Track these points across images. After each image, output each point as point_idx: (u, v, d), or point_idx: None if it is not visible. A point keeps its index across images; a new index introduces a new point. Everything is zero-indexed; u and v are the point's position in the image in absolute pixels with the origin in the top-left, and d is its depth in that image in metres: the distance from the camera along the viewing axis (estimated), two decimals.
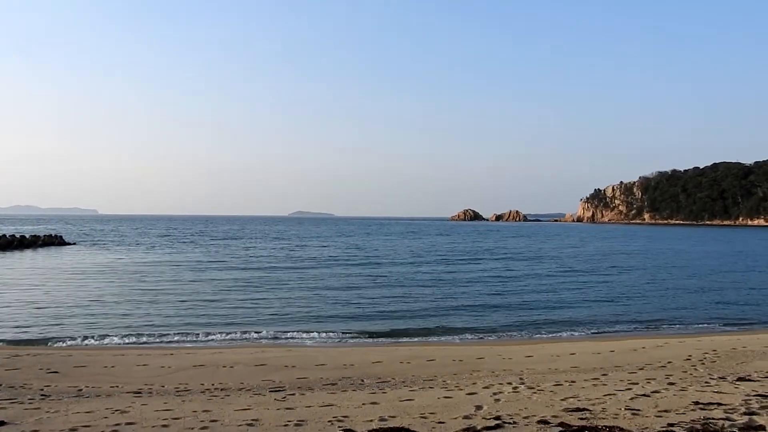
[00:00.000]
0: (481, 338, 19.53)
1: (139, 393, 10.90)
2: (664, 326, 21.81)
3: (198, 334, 19.48)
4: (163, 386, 11.61)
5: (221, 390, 11.20)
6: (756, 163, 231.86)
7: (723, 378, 10.98)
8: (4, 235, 66.85)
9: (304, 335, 19.44)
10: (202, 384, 11.84)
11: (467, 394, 9.95)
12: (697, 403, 8.51)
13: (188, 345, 18.01)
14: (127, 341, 18.38)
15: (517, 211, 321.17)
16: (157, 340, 18.69)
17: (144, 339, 18.70)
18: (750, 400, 8.64)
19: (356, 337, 19.40)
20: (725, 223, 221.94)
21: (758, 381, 10.54)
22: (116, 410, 9.15)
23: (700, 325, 22.00)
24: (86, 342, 18.19)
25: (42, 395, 10.59)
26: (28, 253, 57.52)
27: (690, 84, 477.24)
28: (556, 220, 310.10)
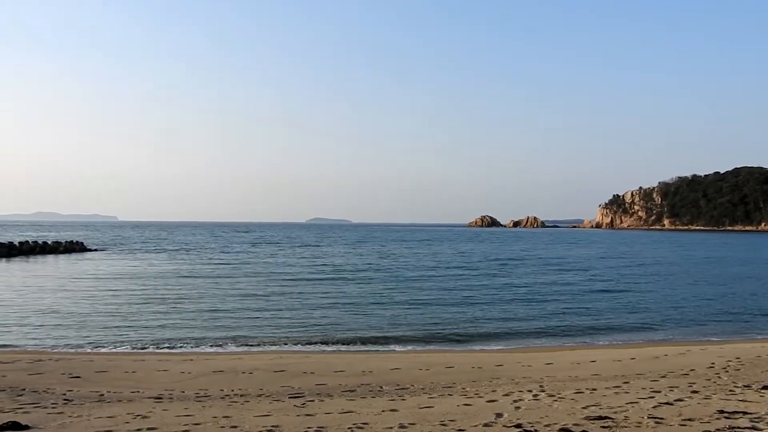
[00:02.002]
0: (501, 345, 19.40)
1: (160, 398, 10.97)
2: (685, 333, 21.53)
3: (218, 341, 19.58)
4: (183, 392, 11.69)
5: (241, 396, 11.24)
6: None
7: (748, 386, 10.80)
8: (27, 241, 67.87)
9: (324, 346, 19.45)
10: (222, 390, 11.89)
11: (487, 401, 9.89)
12: (721, 411, 8.38)
13: (208, 351, 18.11)
14: (147, 347, 18.53)
15: (535, 218, 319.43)
16: (177, 345, 18.81)
17: (164, 345, 18.84)
18: None
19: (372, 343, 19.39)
20: (747, 228, 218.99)
21: None
22: (137, 415, 9.22)
23: (722, 333, 21.67)
24: (107, 347, 18.36)
25: (65, 400, 10.71)
26: (50, 259, 58.32)
27: (711, 86, 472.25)
28: (574, 226, 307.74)
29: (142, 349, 18.31)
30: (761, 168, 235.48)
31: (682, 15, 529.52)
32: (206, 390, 11.88)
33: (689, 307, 27.74)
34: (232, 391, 11.77)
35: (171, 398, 11.02)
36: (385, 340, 19.86)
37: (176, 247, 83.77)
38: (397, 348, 18.82)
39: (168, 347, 18.56)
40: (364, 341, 19.69)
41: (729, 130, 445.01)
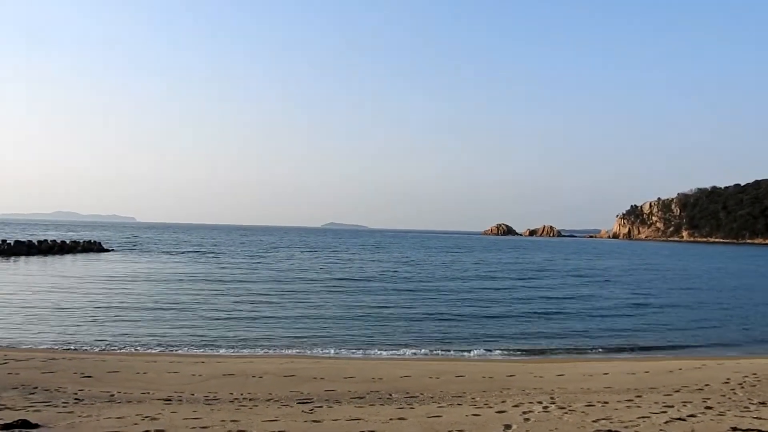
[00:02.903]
0: (512, 355, 19.24)
1: (169, 400, 11.01)
2: (700, 347, 21.20)
3: (230, 344, 19.65)
4: (192, 394, 11.72)
5: (249, 400, 11.24)
6: None
7: (763, 403, 10.60)
8: (46, 240, 68.76)
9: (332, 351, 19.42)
10: (231, 393, 11.90)
11: (496, 412, 9.80)
12: (735, 429, 8.23)
13: (219, 353, 18.17)
14: (159, 348, 18.63)
15: (551, 227, 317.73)
16: (190, 347, 18.90)
17: (176, 347, 18.94)
18: None
19: (387, 349, 19.32)
20: (767, 241, 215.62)
21: None
22: (146, 417, 9.27)
23: (739, 348, 21.31)
24: (120, 348, 18.49)
25: (75, 399, 10.79)
26: (68, 258, 59.00)
27: (732, 98, 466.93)
28: (591, 236, 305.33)
29: (155, 350, 18.41)
30: None
31: (707, 26, 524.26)
32: (216, 393, 11.90)
33: (712, 321, 27.36)
34: (242, 394, 11.78)
35: (180, 400, 11.06)
36: (397, 348, 19.77)
37: (193, 249, 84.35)
38: (408, 354, 18.75)
39: (180, 349, 18.64)
40: (377, 348, 19.62)
41: (750, 141, 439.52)
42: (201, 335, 20.84)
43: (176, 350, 18.46)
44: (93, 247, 73.05)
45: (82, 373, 13.52)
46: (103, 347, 18.50)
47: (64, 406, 10.01)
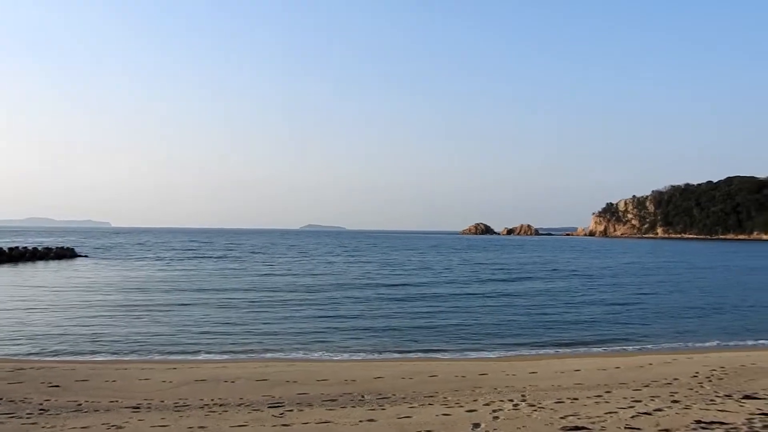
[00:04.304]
0: (484, 354, 19.34)
1: (138, 408, 10.86)
2: (671, 342, 21.51)
3: (204, 349, 19.47)
4: (162, 401, 11.57)
5: (220, 405, 11.14)
6: None
7: (729, 396, 10.79)
8: (17, 247, 67.46)
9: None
10: (202, 399, 11.78)
11: (467, 411, 9.83)
12: (699, 422, 8.36)
13: (192, 359, 17.98)
14: (131, 355, 18.38)
15: (529, 225, 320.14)
16: (161, 354, 18.67)
17: (147, 353, 18.70)
18: (753, 419, 8.49)
19: (361, 353, 19.29)
20: (739, 237, 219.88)
21: (764, 399, 10.34)
22: (112, 426, 9.14)
23: (710, 342, 21.67)
24: (91, 356, 18.21)
25: (41, 410, 10.59)
26: (40, 265, 57.95)
27: (703, 96, 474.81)
28: (568, 234, 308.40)
29: (126, 357, 18.15)
30: (753, 177, 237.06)
31: (676, 24, 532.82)
32: (186, 399, 11.77)
33: (683, 315, 27.82)
34: (212, 400, 11.66)
35: (149, 408, 10.91)
36: (372, 349, 19.76)
37: (169, 254, 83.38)
38: (383, 355, 18.75)
39: (152, 356, 18.41)
40: (351, 350, 19.60)
41: (722, 139, 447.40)
42: (174, 342, 20.58)
43: (148, 357, 18.23)
44: (66, 254, 71.87)
45: (50, 383, 13.28)
46: (73, 356, 18.19)
47: (28, 418, 9.83)
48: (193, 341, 20.63)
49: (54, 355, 18.20)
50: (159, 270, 54.11)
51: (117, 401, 11.53)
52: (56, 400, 11.52)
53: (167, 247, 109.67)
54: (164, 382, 13.71)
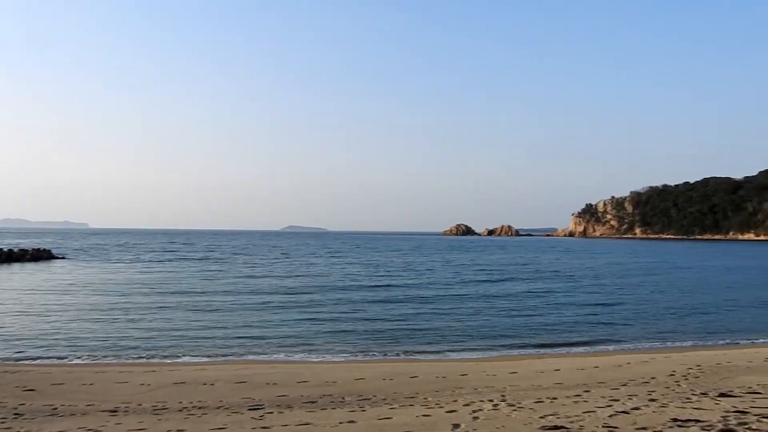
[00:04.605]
0: (465, 354, 19.42)
1: (115, 412, 10.73)
2: (650, 342, 21.78)
3: (184, 351, 19.30)
4: (140, 404, 11.44)
5: (199, 408, 11.04)
6: (745, 178, 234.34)
7: (705, 394, 10.94)
8: None
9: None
10: (181, 402, 11.67)
11: (447, 412, 9.86)
12: (675, 420, 8.46)
13: (171, 361, 17.81)
14: (108, 358, 18.15)
15: (509, 226, 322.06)
16: (141, 356, 18.47)
17: (126, 355, 18.48)
18: (728, 416, 8.61)
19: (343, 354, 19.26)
20: (716, 237, 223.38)
21: (739, 397, 10.50)
22: (89, 430, 9.03)
23: (687, 341, 21.97)
24: (66, 359, 17.95)
25: (15, 414, 10.41)
26: (16, 267, 57.00)
27: (681, 98, 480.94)
28: (548, 235, 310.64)
29: (103, 360, 17.92)
30: (728, 178, 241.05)
31: (659, 23, 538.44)
32: (165, 402, 11.65)
33: (662, 315, 28.17)
34: (191, 403, 11.56)
35: (127, 411, 10.79)
36: (353, 351, 19.74)
37: (148, 256, 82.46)
38: (364, 356, 18.74)
39: (131, 358, 18.20)
40: (332, 351, 19.56)
41: (698, 140, 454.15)
42: (153, 344, 20.36)
43: (126, 360, 18.02)
44: (42, 255, 70.77)
45: (25, 387, 13.06)
46: (49, 359, 17.92)
47: (2, 422, 9.66)
48: (172, 344, 20.42)
49: (29, 359, 17.91)
50: (138, 272, 53.52)
51: (94, 405, 11.38)
52: (31, 404, 11.34)
53: (147, 248, 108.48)
54: (142, 385, 13.56)
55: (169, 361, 17.80)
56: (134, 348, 19.62)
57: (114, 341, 20.63)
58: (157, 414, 10.48)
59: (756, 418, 8.45)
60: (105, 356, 18.36)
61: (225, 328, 23.73)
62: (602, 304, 32.27)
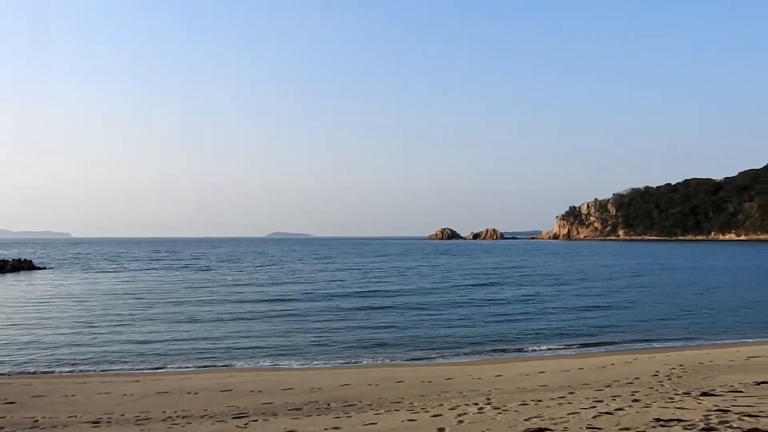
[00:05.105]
0: (452, 359, 19.45)
1: (98, 423, 10.61)
2: (634, 343, 21.95)
3: (168, 360, 19.12)
4: (123, 415, 11.31)
5: (183, 417, 10.94)
6: (726, 179, 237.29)
7: (687, 393, 11.04)
8: None
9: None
10: (164, 411, 11.56)
11: (432, 416, 9.86)
12: (658, 420, 8.53)
13: (155, 371, 17.63)
14: (91, 369, 17.93)
15: (494, 230, 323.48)
16: (125, 366, 18.28)
17: (108, 366, 18.27)
18: (710, 415, 8.69)
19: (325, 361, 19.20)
20: (698, 238, 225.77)
21: (721, 396, 10.62)
22: None
23: (671, 341, 22.17)
24: (48, 370, 17.71)
25: None
26: None
27: (660, 100, 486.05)
28: (533, 238, 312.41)
29: (86, 371, 17.70)
30: (710, 180, 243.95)
31: (637, 30, 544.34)
32: (148, 412, 11.53)
33: (647, 316, 28.41)
34: (175, 412, 11.45)
35: (109, 422, 10.67)
36: (338, 357, 19.69)
37: (132, 265, 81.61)
38: (350, 362, 18.69)
39: (113, 368, 18.00)
40: (318, 358, 19.49)
41: (679, 142, 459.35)
42: (137, 354, 20.14)
43: (109, 370, 17.81)
44: (23, 266, 69.81)
45: (5, 400, 12.87)
46: (30, 371, 17.67)
47: None
48: (156, 353, 20.22)
49: (9, 371, 17.64)
50: (122, 281, 52.95)
51: (76, 416, 11.24)
52: (11, 417, 11.17)
53: (131, 257, 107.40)
54: (125, 395, 13.42)
55: (152, 371, 17.62)
56: (117, 358, 19.41)
57: (97, 352, 20.38)
58: (140, 424, 10.38)
59: (737, 416, 8.54)
60: (87, 367, 18.14)
61: (210, 336, 23.54)
62: (589, 307, 32.43)
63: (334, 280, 52.59)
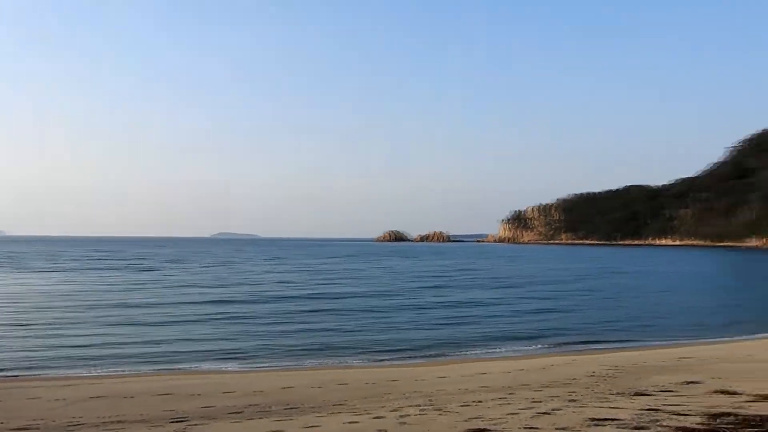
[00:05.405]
0: (395, 360, 19.53)
1: (26, 430, 10.15)
2: (577, 344, 22.56)
3: (103, 364, 18.51)
4: (53, 421, 10.87)
5: (118, 422, 10.60)
6: (663, 186, 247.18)
7: (621, 393, 11.41)
8: None
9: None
10: (98, 417, 11.16)
11: (374, 418, 9.85)
12: (592, 419, 8.76)
13: (89, 374, 17.04)
14: (20, 373, 17.17)
15: (441, 232, 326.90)
16: (58, 371, 17.58)
17: (39, 370, 17.55)
18: (642, 414, 8.98)
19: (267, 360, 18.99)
20: (636, 242, 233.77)
21: (653, 395, 11.01)
22: None
23: (610, 343, 22.87)
24: None
25: None
26: None
27: (606, 104, 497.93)
28: (479, 241, 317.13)
29: (15, 374, 16.94)
30: (648, 186, 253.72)
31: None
32: (80, 418, 11.11)
33: (591, 318, 29.22)
34: (110, 418, 11.08)
35: (38, 429, 10.23)
36: (281, 359, 19.48)
37: (71, 265, 78.69)
38: (292, 364, 18.53)
39: (45, 372, 17.29)
40: (260, 360, 19.24)
41: (620, 150, 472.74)
42: (71, 357, 19.41)
43: (40, 374, 17.09)
44: None
45: None
46: None
47: None
48: (93, 357, 19.53)
49: None
50: (59, 282, 50.96)
51: (1, 423, 10.73)
52: None
53: (69, 256, 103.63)
54: (57, 400, 12.90)
55: (87, 374, 17.03)
56: (50, 362, 18.66)
57: (27, 355, 19.54)
58: (70, 431, 9.99)
59: (667, 415, 8.86)
60: (17, 372, 17.35)
61: (151, 339, 22.93)
62: (535, 310, 33.14)
63: (282, 282, 52.09)
